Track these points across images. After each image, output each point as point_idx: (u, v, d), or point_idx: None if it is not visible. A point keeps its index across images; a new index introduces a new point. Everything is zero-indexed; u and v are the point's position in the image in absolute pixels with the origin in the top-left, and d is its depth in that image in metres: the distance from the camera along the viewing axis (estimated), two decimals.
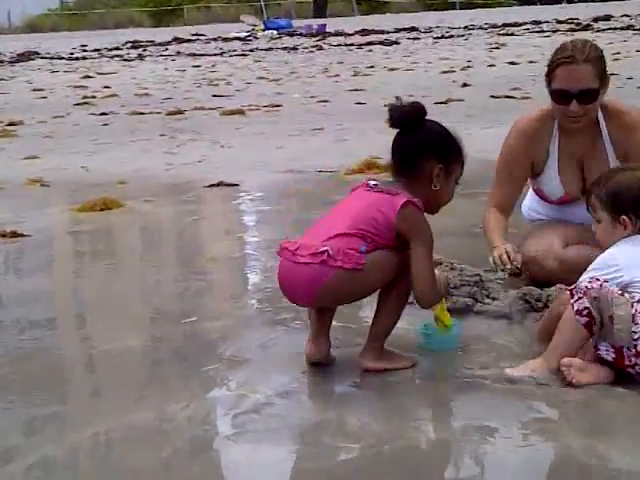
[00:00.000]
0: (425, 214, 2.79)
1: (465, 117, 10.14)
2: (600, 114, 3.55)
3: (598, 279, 2.60)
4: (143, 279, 4.20)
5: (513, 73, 15.87)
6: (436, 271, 2.90)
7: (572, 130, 3.55)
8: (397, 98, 2.84)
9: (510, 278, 3.67)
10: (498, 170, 3.77)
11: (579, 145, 3.59)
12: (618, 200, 2.73)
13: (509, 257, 3.32)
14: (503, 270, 3.37)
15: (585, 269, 2.76)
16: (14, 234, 5.01)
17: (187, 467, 2.21)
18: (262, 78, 17.94)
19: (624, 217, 2.71)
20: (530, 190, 3.90)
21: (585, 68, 3.38)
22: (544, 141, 3.62)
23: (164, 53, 28.41)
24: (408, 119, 2.79)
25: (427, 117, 2.82)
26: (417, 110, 2.79)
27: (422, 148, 2.79)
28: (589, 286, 2.57)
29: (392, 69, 18.60)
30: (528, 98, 10.77)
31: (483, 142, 7.91)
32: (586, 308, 2.55)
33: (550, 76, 3.48)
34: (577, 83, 3.38)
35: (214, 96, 14.42)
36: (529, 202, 3.92)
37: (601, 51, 3.51)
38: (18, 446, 2.37)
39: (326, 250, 2.61)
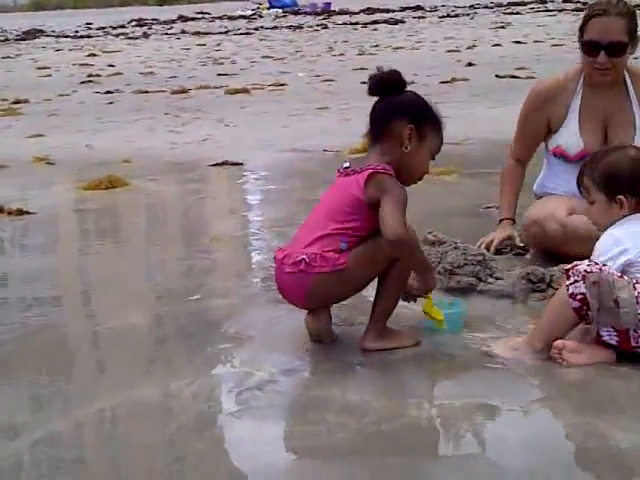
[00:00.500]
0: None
1: (470, 97, 10.12)
2: (628, 78, 3.68)
3: (597, 263, 2.59)
4: (148, 257, 4.22)
5: (519, 52, 15.81)
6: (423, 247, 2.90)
7: (599, 87, 3.66)
8: (378, 68, 2.83)
9: (514, 257, 3.70)
10: (517, 126, 3.96)
11: (604, 103, 3.69)
12: (613, 180, 2.71)
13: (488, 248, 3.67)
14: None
15: (586, 239, 2.76)
16: (20, 212, 5.04)
17: (191, 443, 2.23)
18: (267, 57, 17.90)
19: (620, 197, 2.70)
20: (542, 170, 3.95)
21: (616, 21, 3.52)
22: (565, 98, 3.74)
23: (169, 31, 28.33)
24: (385, 85, 2.79)
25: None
26: (394, 77, 2.80)
27: (394, 109, 2.78)
28: (588, 269, 2.55)
29: (397, 48, 18.54)
30: (533, 78, 10.72)
31: (488, 122, 7.91)
32: (581, 293, 2.55)
33: (583, 29, 3.61)
34: (607, 35, 3.52)
35: (219, 75, 14.39)
36: (541, 179, 3.96)
37: (634, 10, 3.63)
38: (24, 422, 2.40)
39: (303, 259, 2.66)
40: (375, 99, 2.84)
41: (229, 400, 2.47)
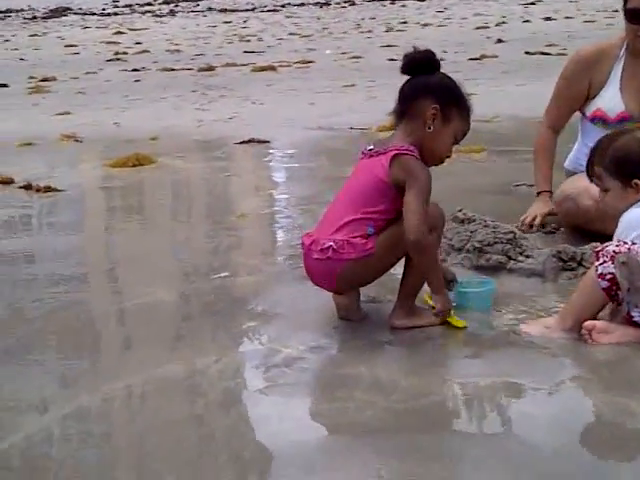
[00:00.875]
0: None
1: (500, 74, 10.03)
2: None
3: (626, 242, 2.56)
4: (175, 234, 4.22)
5: (549, 29, 15.63)
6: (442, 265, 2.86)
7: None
8: (413, 47, 2.81)
9: (545, 235, 3.66)
10: (554, 93, 3.94)
11: None
12: (625, 165, 2.66)
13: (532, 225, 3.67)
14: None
15: (619, 216, 2.73)
16: (48, 189, 5.06)
17: (219, 419, 2.23)
18: (293, 34, 17.82)
19: (636, 181, 2.65)
20: (576, 144, 3.93)
21: None
22: (605, 65, 3.76)
23: (195, 9, 28.28)
24: (418, 65, 2.76)
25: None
26: (428, 56, 2.77)
27: (421, 88, 2.76)
28: (617, 250, 2.53)
29: (425, 25, 18.39)
30: (564, 55, 10.59)
31: (518, 99, 7.83)
32: (610, 273, 2.52)
33: None
34: None
35: (245, 52, 14.36)
36: (574, 155, 3.94)
37: None
38: (53, 397, 2.41)
39: (330, 245, 2.65)
40: (406, 78, 2.81)
41: (256, 377, 2.47)
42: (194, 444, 2.12)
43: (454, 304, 2.82)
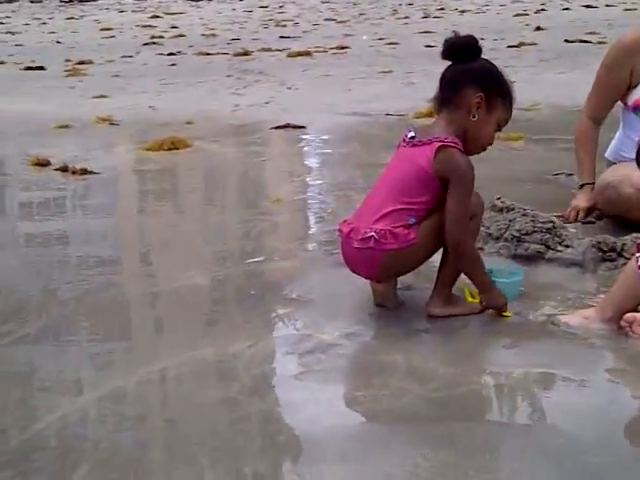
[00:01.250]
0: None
1: (539, 62, 9.91)
2: None
3: None
4: (209, 219, 4.22)
5: (589, 17, 15.42)
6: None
7: None
8: (454, 32, 2.76)
9: (585, 225, 3.61)
10: (595, 82, 3.86)
11: None
12: None
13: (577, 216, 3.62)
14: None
15: None
16: (84, 171, 5.07)
17: (253, 404, 2.21)
18: (330, 19, 17.75)
19: None
20: (617, 134, 3.86)
21: None
22: None
23: None
24: (459, 51, 2.71)
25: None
26: (470, 42, 2.72)
27: (466, 76, 2.71)
28: None
29: (463, 11, 18.23)
30: (604, 43, 10.44)
31: (557, 88, 7.74)
32: None
33: None
34: None
35: (281, 37, 14.33)
36: (615, 144, 3.86)
37: None
38: (88, 378, 2.42)
39: (372, 235, 2.62)
40: (446, 64, 2.76)
41: (291, 362, 2.45)
42: (228, 428, 2.11)
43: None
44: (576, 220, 3.66)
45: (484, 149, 2.79)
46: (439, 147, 2.64)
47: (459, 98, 2.70)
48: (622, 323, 2.55)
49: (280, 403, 2.23)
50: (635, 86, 3.69)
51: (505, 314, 2.72)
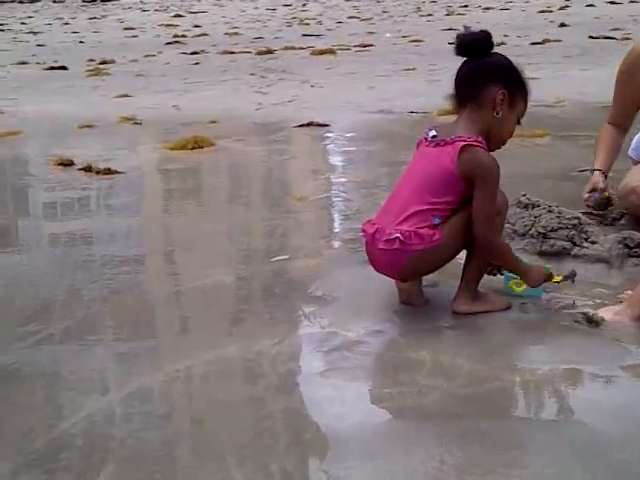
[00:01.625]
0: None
1: (562, 58, 9.85)
2: None
3: None
4: (233, 217, 4.22)
5: (613, 13, 15.29)
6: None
7: None
8: (465, 27, 2.74)
9: (611, 222, 3.57)
10: (615, 87, 3.80)
11: None
12: None
13: (595, 190, 3.54)
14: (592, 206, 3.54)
15: None
16: (108, 171, 5.09)
17: (279, 401, 2.21)
18: (353, 17, 17.72)
19: None
20: (638, 131, 3.78)
21: None
22: None
23: None
24: (474, 46, 2.69)
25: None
26: (485, 37, 2.69)
27: (488, 72, 2.69)
28: None
29: (487, 8, 18.15)
30: (629, 39, 10.35)
31: (581, 84, 7.68)
32: None
33: None
34: None
35: (304, 35, 14.32)
36: (636, 142, 3.80)
37: None
38: (114, 377, 2.42)
39: (397, 237, 2.61)
40: (461, 60, 2.74)
41: (317, 360, 2.45)
42: (255, 426, 2.11)
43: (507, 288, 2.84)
44: (590, 196, 3.62)
45: (504, 144, 2.78)
46: (463, 147, 2.62)
47: (482, 96, 2.68)
48: None
49: (306, 401, 2.23)
50: None
51: (556, 279, 2.76)
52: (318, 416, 2.13)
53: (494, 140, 2.72)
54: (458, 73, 2.75)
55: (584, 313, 2.62)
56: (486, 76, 2.69)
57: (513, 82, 2.71)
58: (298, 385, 2.32)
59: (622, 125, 3.80)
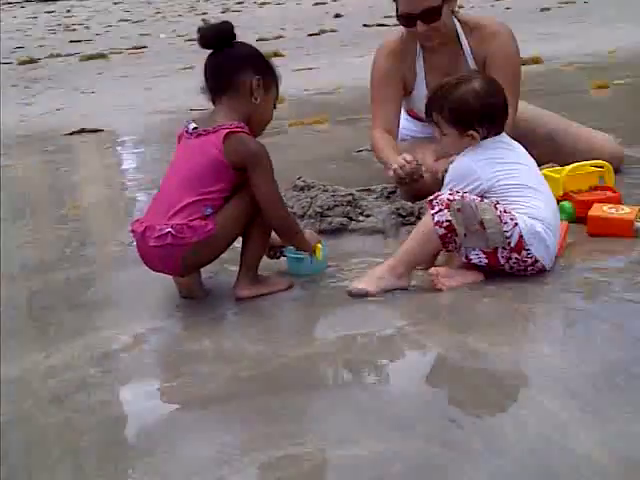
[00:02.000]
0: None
1: (340, 47, 10.10)
2: (460, 30, 3.61)
3: (458, 191, 2.61)
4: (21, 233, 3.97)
5: (386, 1, 15.86)
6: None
7: (434, 47, 3.60)
8: (204, 20, 2.77)
9: (384, 196, 3.64)
10: (373, 93, 3.74)
11: (443, 61, 3.62)
12: (462, 117, 2.68)
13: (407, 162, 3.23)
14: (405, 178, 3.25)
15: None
16: None
17: (53, 414, 2.07)
18: (124, 20, 17.39)
19: (471, 132, 2.69)
20: (402, 111, 3.86)
21: None
22: (410, 60, 3.67)
23: (12, 1, 27.21)
24: (219, 36, 2.70)
25: None
26: (228, 28, 2.72)
27: (239, 60, 2.72)
28: (451, 198, 2.58)
29: (263, 3, 18.30)
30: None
31: (357, 70, 7.88)
32: (447, 221, 2.57)
33: (396, 2, 3.52)
34: (418, 4, 3.44)
35: (71, 42, 13.88)
36: (401, 122, 3.88)
37: None
38: None
39: (169, 232, 2.56)
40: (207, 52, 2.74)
41: (93, 367, 2.30)
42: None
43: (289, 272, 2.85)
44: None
45: (264, 129, 2.81)
46: (227, 134, 2.61)
47: (237, 84, 2.70)
48: (431, 277, 2.63)
49: (80, 409, 2.10)
50: (409, 92, 3.69)
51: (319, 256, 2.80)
52: (93, 422, 2.02)
53: (256, 125, 2.74)
54: (207, 65, 2.74)
55: (348, 284, 2.67)
56: (238, 65, 2.71)
57: (264, 68, 2.75)
58: (73, 394, 2.17)
59: (391, 129, 3.65)
